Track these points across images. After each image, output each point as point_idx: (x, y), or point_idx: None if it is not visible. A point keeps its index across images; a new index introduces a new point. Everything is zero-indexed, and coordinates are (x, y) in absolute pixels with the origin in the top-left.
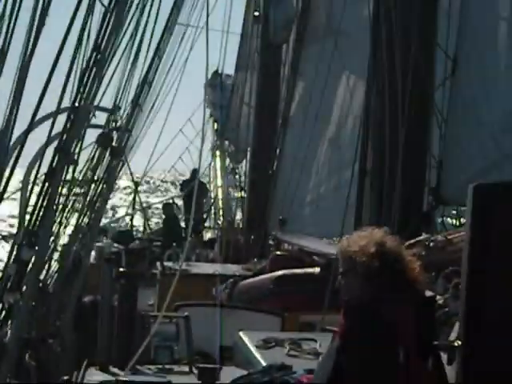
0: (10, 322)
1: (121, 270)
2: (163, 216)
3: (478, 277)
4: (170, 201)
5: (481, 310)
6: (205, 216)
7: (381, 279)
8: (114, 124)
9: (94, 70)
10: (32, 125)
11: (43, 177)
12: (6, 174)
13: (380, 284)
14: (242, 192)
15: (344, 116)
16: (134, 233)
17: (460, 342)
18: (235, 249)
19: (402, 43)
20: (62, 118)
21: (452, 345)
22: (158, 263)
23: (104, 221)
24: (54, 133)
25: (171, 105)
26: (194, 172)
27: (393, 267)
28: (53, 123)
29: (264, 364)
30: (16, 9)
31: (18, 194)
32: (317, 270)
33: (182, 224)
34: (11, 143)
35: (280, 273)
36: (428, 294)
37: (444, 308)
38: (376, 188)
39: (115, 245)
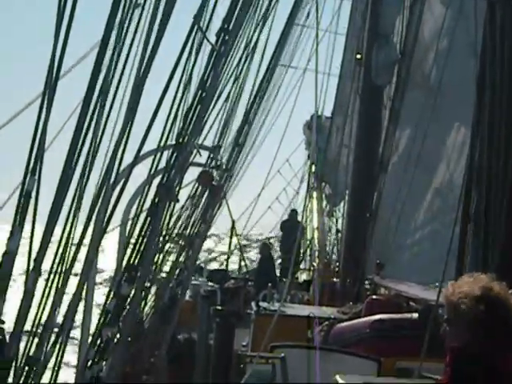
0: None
1: (218, 307)
2: (259, 255)
3: None
4: (267, 241)
5: None
6: (300, 258)
7: (486, 325)
8: (214, 163)
9: (199, 108)
10: (137, 159)
11: (143, 213)
12: (110, 207)
13: (486, 330)
14: (339, 234)
15: (446, 164)
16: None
17: None
18: (330, 291)
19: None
20: (163, 156)
21: None
22: (253, 303)
23: (200, 259)
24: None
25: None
26: (292, 212)
27: (499, 313)
28: (154, 158)
29: None
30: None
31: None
32: (415, 315)
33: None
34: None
35: (377, 317)
36: None
37: None
38: (478, 233)
39: (210, 283)
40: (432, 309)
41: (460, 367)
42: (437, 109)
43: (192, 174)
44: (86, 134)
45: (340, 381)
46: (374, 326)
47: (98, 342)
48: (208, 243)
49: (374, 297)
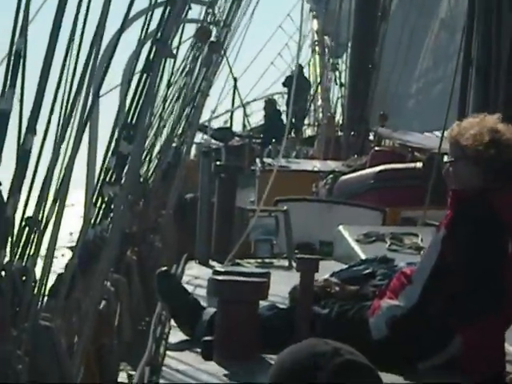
0: (110, 216)
1: (218, 163)
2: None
3: None
4: (272, 97)
5: None
6: (305, 113)
7: (493, 168)
8: (212, 18)
9: None
10: (126, 22)
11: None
12: (101, 73)
13: (491, 173)
14: (343, 88)
15: (447, 4)
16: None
17: None
18: (335, 145)
19: None
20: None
21: None
22: (258, 160)
23: (204, 117)
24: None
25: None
26: (299, 68)
27: (506, 156)
28: (147, 17)
29: (364, 258)
30: None
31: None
32: (419, 164)
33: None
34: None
35: (380, 168)
36: None
37: None
38: (482, 78)
39: (215, 141)
40: (436, 157)
41: (460, 209)
42: None
43: (191, 31)
44: None
45: (344, 231)
46: (378, 177)
47: (100, 200)
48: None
49: (378, 148)
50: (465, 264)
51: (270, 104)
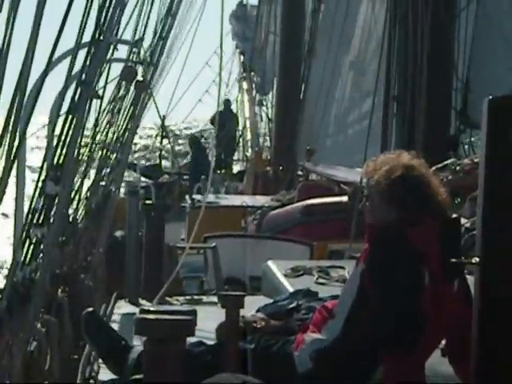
0: (39, 258)
1: (146, 202)
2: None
3: (494, 196)
4: (198, 134)
5: (500, 228)
6: (233, 149)
7: (406, 203)
8: (137, 57)
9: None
10: (51, 64)
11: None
12: (28, 113)
13: (405, 207)
14: (270, 123)
15: (368, 43)
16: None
17: (478, 259)
18: (264, 180)
19: None
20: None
21: (470, 262)
22: (187, 196)
23: (132, 156)
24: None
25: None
26: (226, 102)
27: (418, 191)
28: (73, 59)
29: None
30: None
31: (43, 132)
32: (344, 198)
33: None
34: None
35: (307, 202)
36: (454, 215)
37: (471, 231)
38: (401, 112)
39: (144, 179)
40: (360, 190)
41: (376, 242)
42: None
43: (117, 70)
44: None
45: (272, 266)
46: (305, 211)
47: (28, 242)
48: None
49: (306, 182)
50: (382, 296)
51: (193, 140)
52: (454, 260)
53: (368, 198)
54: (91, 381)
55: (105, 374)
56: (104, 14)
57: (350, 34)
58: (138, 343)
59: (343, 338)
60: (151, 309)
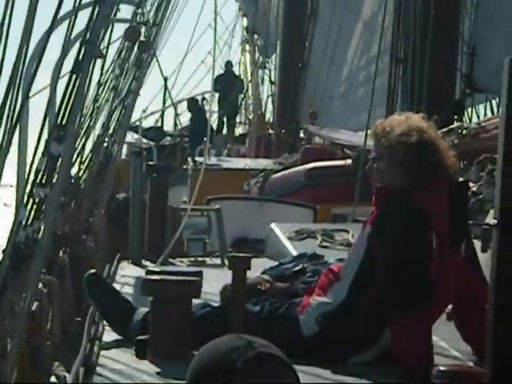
0: (42, 218)
1: (150, 163)
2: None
3: None
4: (199, 97)
5: None
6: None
7: (417, 166)
8: (141, 18)
9: None
10: (54, 23)
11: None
12: (30, 74)
13: (415, 170)
14: (273, 86)
15: (375, 4)
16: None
17: (496, 221)
18: (266, 143)
19: None
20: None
21: (488, 224)
22: (190, 158)
23: (134, 117)
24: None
25: None
26: (227, 65)
27: (431, 155)
28: (74, 18)
29: (295, 255)
30: None
31: (46, 92)
32: (348, 162)
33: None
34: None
35: (311, 165)
36: (461, 179)
37: (478, 195)
38: (407, 75)
39: (146, 141)
40: (363, 154)
41: (385, 205)
42: None
43: (122, 30)
44: None
45: (275, 229)
46: (309, 175)
47: (31, 202)
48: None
49: (309, 146)
50: (392, 259)
51: (192, 103)
52: (471, 222)
53: (375, 160)
54: (96, 342)
55: (109, 335)
56: None
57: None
58: (142, 304)
59: (349, 301)
60: (157, 269)
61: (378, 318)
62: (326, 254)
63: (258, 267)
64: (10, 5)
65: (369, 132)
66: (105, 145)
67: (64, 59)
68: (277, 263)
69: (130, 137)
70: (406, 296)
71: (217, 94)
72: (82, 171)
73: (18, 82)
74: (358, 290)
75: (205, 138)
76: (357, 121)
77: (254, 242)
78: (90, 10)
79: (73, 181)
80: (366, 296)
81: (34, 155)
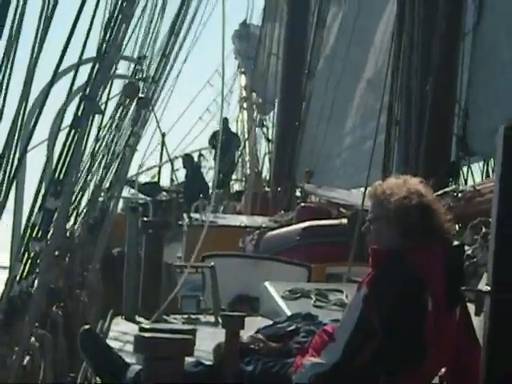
0: (36, 272)
1: (146, 219)
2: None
3: (507, 225)
4: (195, 153)
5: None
6: (232, 168)
7: (415, 230)
8: (140, 74)
9: (120, 18)
10: (55, 76)
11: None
12: (29, 128)
13: (413, 234)
14: (270, 144)
15: (374, 66)
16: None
17: (489, 288)
18: (262, 201)
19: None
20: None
21: (481, 291)
22: (185, 215)
23: (131, 172)
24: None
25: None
26: (224, 122)
27: (429, 219)
28: (75, 73)
29: (290, 314)
30: None
31: (45, 145)
32: (343, 221)
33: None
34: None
35: (306, 224)
36: (456, 243)
37: (472, 259)
38: (403, 137)
39: (142, 196)
40: (359, 214)
41: (380, 267)
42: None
43: (120, 86)
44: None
45: (269, 287)
46: (304, 233)
47: (26, 256)
48: (138, 157)
49: (304, 204)
50: (387, 322)
51: (187, 159)
52: (464, 288)
53: (373, 222)
54: None
55: None
56: (110, 31)
57: (355, 61)
58: (136, 361)
59: (343, 362)
60: (150, 327)
61: (372, 380)
62: (319, 314)
63: (252, 325)
64: (10, 58)
65: (366, 192)
66: (101, 199)
67: (64, 113)
68: (271, 322)
69: (127, 191)
70: (401, 358)
71: (213, 151)
72: (77, 225)
73: (17, 135)
74: (353, 351)
75: (201, 195)
76: (350, 181)
77: (249, 299)
78: (89, 65)
79: (68, 235)
80: (360, 357)
81: (32, 209)
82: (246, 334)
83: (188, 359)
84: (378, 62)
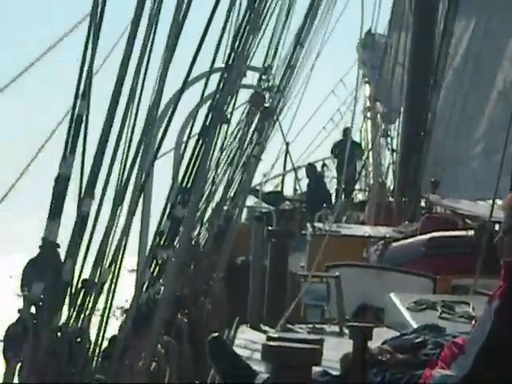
0: (162, 279)
1: (271, 228)
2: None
3: None
4: (318, 163)
5: None
6: (356, 178)
7: None
8: (265, 84)
9: (248, 28)
10: (185, 84)
11: (196, 137)
12: (159, 135)
13: None
14: (394, 154)
15: (505, 77)
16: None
17: None
18: (386, 211)
19: None
20: (214, 79)
21: None
22: (309, 224)
23: (255, 182)
24: (206, 94)
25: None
26: (346, 131)
27: None
28: (206, 83)
29: (415, 326)
30: None
31: (171, 154)
32: (470, 232)
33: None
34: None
35: (432, 235)
36: None
37: None
38: None
39: (266, 205)
40: (487, 225)
41: None
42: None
43: (244, 96)
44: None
45: (394, 298)
46: (430, 244)
47: (153, 264)
48: (262, 166)
49: (430, 215)
50: None
51: (310, 169)
52: None
53: (507, 233)
54: None
55: None
56: (238, 41)
57: (485, 69)
58: (264, 370)
59: (473, 375)
60: (278, 336)
61: None
62: (446, 326)
63: (378, 336)
64: (142, 69)
65: (499, 203)
66: (225, 208)
67: (194, 122)
68: (397, 334)
69: (250, 201)
70: None
71: (336, 160)
72: (202, 234)
73: (146, 141)
74: (483, 365)
75: (324, 205)
76: (479, 191)
77: (373, 309)
78: (216, 75)
79: (193, 243)
80: (490, 370)
81: (162, 218)
82: (372, 345)
83: (315, 369)
84: (510, 74)
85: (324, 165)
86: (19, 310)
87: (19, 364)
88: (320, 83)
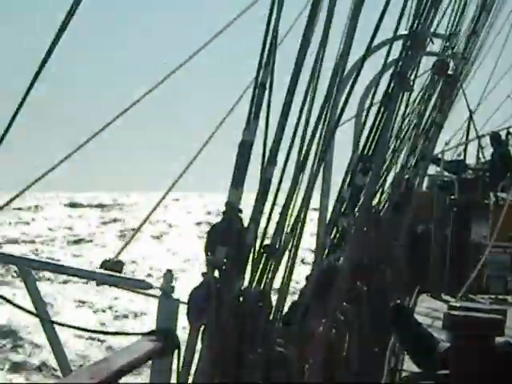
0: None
1: (454, 197)
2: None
3: None
4: (503, 131)
5: None
6: None
7: None
8: (449, 51)
9: None
10: (368, 51)
11: (377, 105)
12: (341, 102)
13: None
14: None
15: None
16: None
17: None
18: None
19: None
20: (396, 47)
21: None
22: (491, 193)
23: (437, 150)
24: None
25: None
26: None
27: None
28: (389, 50)
29: None
30: None
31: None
32: None
33: None
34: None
35: None
36: None
37: None
38: None
39: (448, 174)
40: None
41: None
42: None
43: (426, 63)
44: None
45: None
46: None
47: (334, 231)
48: (444, 134)
49: None
50: None
51: (495, 137)
52: None
53: None
54: (396, 373)
55: (408, 366)
56: (422, 8)
57: None
58: (443, 338)
59: None
60: (460, 305)
61: None
62: None
63: None
64: (325, 36)
65: None
66: (406, 176)
67: (376, 89)
68: None
69: (432, 169)
70: None
71: None
72: (383, 202)
73: (330, 108)
74: None
75: (508, 174)
76: None
77: None
78: (399, 43)
79: (373, 211)
80: None
81: (342, 185)
82: None
83: (498, 339)
84: None
85: (508, 133)
86: (203, 274)
87: (202, 327)
88: (506, 50)
